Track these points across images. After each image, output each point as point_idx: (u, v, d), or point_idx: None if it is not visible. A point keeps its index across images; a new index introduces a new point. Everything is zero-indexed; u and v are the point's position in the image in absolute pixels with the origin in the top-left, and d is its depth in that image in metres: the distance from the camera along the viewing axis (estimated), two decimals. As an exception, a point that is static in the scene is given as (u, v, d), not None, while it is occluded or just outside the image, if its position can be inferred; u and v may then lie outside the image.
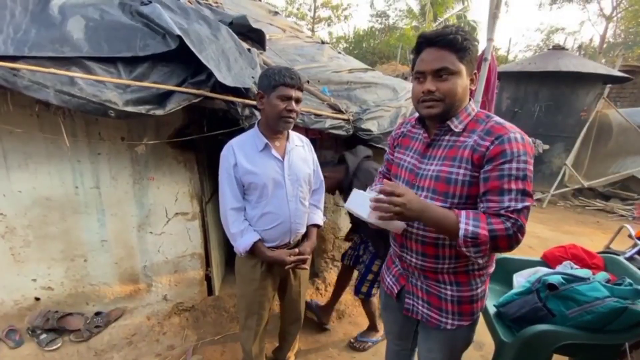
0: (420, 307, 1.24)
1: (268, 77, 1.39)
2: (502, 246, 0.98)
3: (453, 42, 0.98)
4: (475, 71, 1.06)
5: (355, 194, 1.13)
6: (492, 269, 1.21)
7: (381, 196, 0.99)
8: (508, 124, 1.02)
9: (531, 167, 0.99)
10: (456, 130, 1.07)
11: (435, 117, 1.08)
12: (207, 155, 2.43)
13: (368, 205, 1.03)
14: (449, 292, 1.16)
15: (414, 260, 1.18)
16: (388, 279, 1.37)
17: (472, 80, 1.06)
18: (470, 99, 1.10)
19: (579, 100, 6.51)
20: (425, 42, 1.03)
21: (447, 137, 1.10)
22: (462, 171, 1.03)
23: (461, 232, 0.97)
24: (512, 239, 0.97)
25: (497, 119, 1.05)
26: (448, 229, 1.01)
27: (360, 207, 1.08)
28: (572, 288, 1.53)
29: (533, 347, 1.50)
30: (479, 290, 1.18)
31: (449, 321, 1.18)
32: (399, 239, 1.22)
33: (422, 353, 1.33)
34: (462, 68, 1.00)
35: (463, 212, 1.00)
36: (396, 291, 1.31)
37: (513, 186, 0.96)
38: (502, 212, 0.97)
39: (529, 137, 1.02)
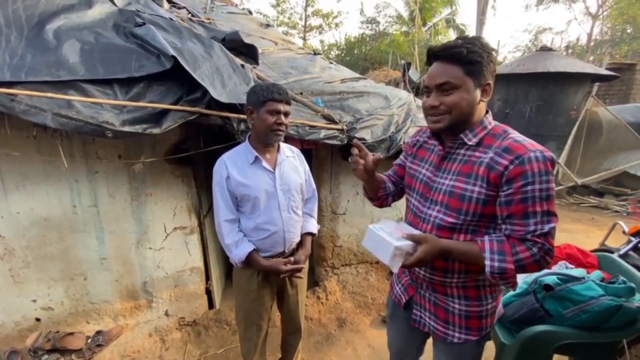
0: (427, 319, 1.22)
1: (256, 93, 1.44)
2: (532, 270, 0.98)
3: (456, 55, 0.95)
4: (489, 81, 0.99)
5: (372, 233, 1.07)
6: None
7: (401, 248, 1.00)
8: (527, 142, 0.96)
9: (553, 185, 0.94)
10: (470, 143, 1.03)
11: (442, 131, 1.06)
12: (204, 169, 2.44)
13: (389, 252, 1.01)
14: (456, 306, 1.14)
15: (422, 272, 1.16)
16: (397, 288, 1.35)
17: (484, 92, 1.00)
18: (487, 112, 1.06)
19: (568, 99, 6.61)
20: (432, 56, 1.01)
21: (462, 151, 1.06)
22: (477, 188, 1.00)
23: (487, 269, 0.97)
24: (541, 262, 0.95)
25: (515, 135, 1.00)
26: (472, 262, 1.02)
27: (380, 252, 1.05)
28: (567, 288, 1.56)
29: (532, 348, 1.52)
30: (489, 306, 1.14)
31: (456, 334, 1.15)
32: None
33: None
34: (468, 81, 0.97)
35: (487, 245, 0.98)
36: (404, 300, 1.29)
37: (538, 208, 0.93)
38: (529, 236, 0.94)
39: (550, 153, 0.95)
